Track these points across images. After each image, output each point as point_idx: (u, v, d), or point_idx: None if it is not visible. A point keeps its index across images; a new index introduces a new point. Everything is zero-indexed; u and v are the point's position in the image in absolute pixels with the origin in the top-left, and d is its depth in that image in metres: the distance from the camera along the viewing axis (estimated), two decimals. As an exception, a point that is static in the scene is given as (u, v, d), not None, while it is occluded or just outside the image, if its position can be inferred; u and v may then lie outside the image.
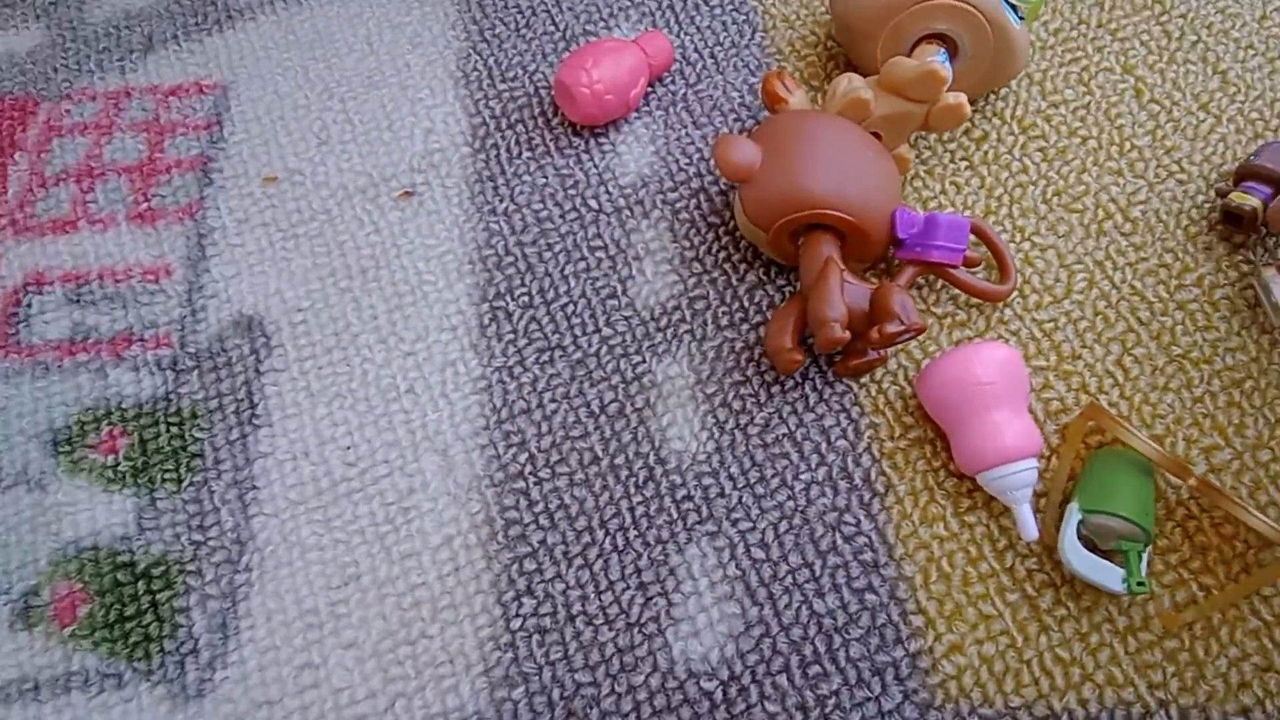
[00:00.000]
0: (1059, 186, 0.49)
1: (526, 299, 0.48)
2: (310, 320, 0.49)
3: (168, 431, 0.46)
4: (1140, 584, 0.37)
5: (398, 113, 0.55)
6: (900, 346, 0.45)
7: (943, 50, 0.46)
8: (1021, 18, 0.47)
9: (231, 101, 0.57)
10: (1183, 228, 0.47)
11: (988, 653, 0.38)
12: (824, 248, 0.42)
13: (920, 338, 0.45)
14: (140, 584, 0.42)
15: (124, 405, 0.47)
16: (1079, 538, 0.38)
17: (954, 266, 0.44)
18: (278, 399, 0.47)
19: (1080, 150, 0.49)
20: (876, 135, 0.46)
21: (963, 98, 0.44)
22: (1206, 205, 0.48)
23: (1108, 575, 0.37)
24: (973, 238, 0.47)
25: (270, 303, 0.49)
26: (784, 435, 0.44)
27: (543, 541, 0.42)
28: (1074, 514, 0.38)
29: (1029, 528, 0.38)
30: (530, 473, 0.44)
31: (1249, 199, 0.45)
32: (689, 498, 0.43)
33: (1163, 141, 0.50)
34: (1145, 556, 0.38)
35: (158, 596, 0.42)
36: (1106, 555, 0.38)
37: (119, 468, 0.45)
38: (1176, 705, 0.37)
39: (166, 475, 0.45)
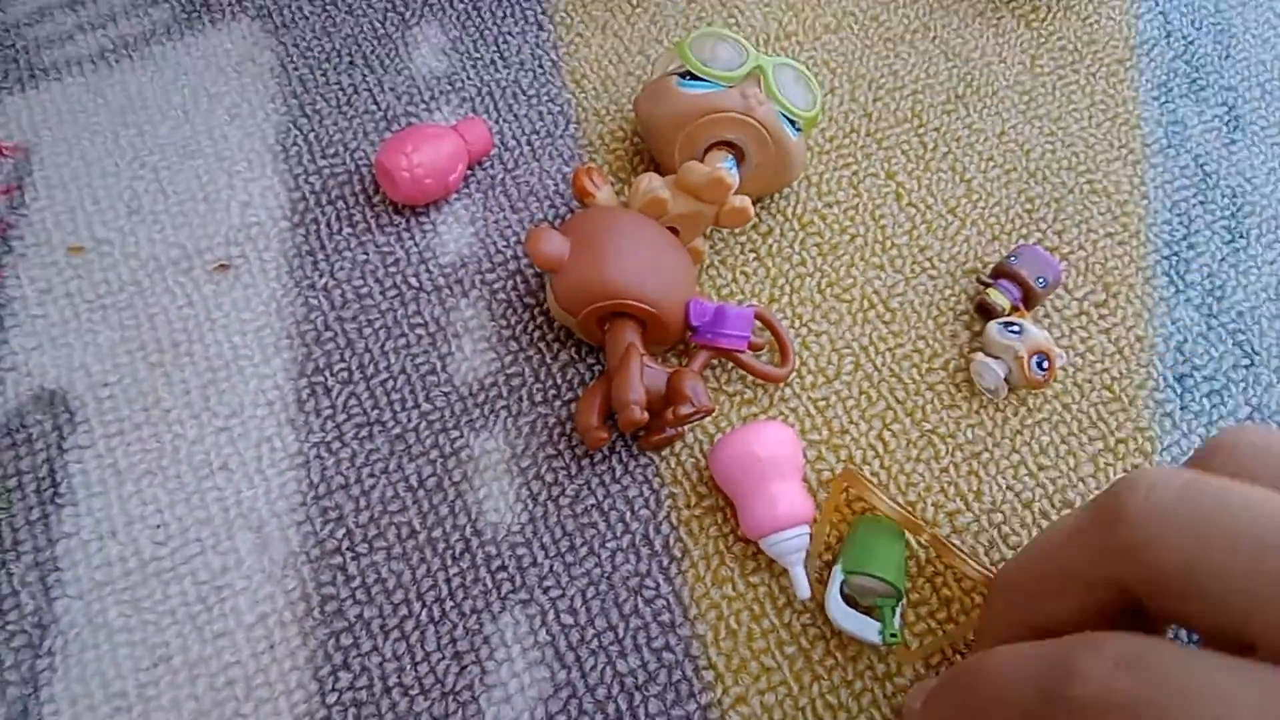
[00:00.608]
0: (831, 278, 0.56)
1: (346, 374, 0.51)
2: (118, 395, 0.49)
3: (-43, 513, 0.45)
4: (893, 635, 0.43)
5: (213, 184, 0.56)
6: (695, 424, 0.50)
7: (730, 157, 0.52)
8: (799, 130, 0.54)
9: (34, 165, 0.56)
10: (933, 317, 0.55)
11: (769, 702, 0.44)
12: (627, 334, 0.47)
13: (713, 415, 0.51)
14: (-75, 677, 0.41)
15: (-94, 486, 0.45)
16: (842, 596, 0.44)
17: (740, 351, 0.50)
18: (82, 477, 0.46)
19: (849, 246, 0.57)
20: (674, 230, 0.51)
21: (747, 201, 0.50)
22: (953, 298, 0.56)
23: (866, 629, 0.43)
24: (759, 324, 0.53)
25: (75, 377, 0.49)
26: (592, 505, 0.48)
27: (359, 616, 0.44)
28: (837, 575, 0.45)
29: (802, 587, 0.44)
30: (348, 548, 0.46)
31: (1002, 298, 0.54)
32: (503, 567, 0.46)
33: (918, 240, 0.58)
34: (898, 611, 0.44)
35: (-55, 689, 0.41)
36: (866, 611, 0.44)
37: (-100, 553, 0.44)
38: None
39: (-45, 560, 0.44)
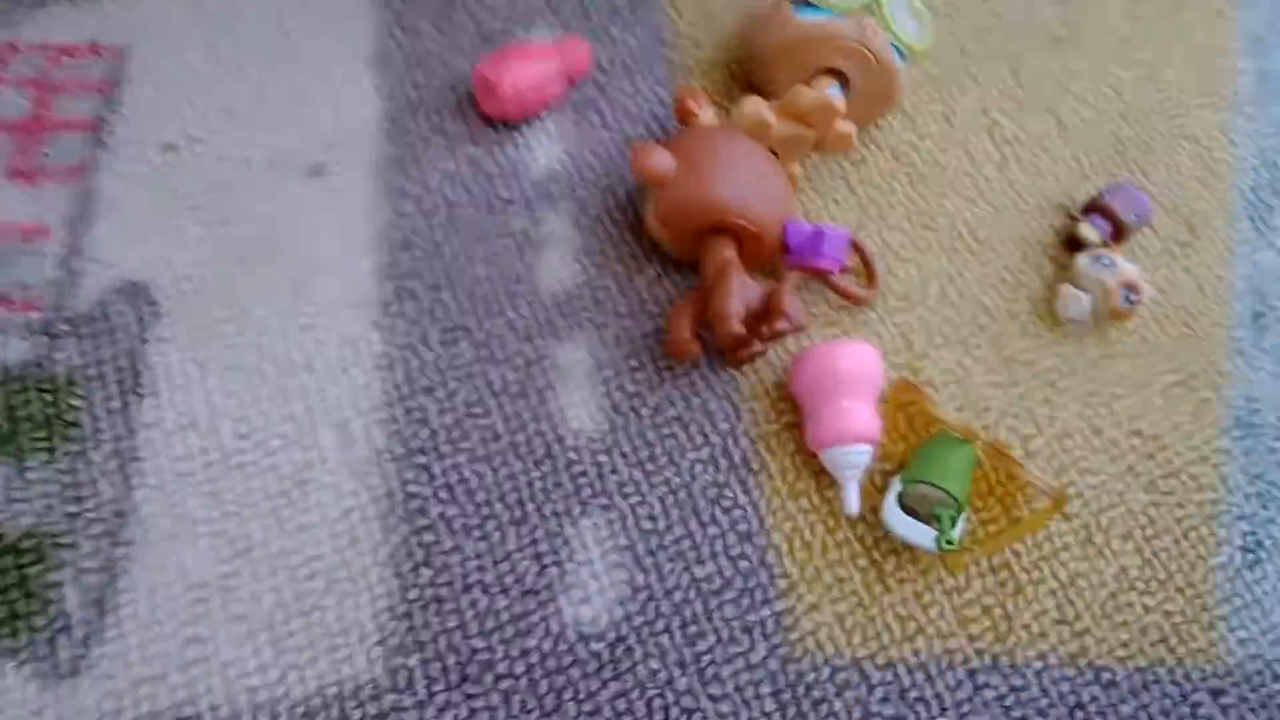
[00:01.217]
0: (921, 208, 0.51)
1: (433, 280, 0.47)
2: (202, 289, 0.45)
3: (40, 398, 0.42)
4: (949, 542, 0.39)
5: (309, 89, 0.52)
6: (780, 342, 0.46)
7: (836, 83, 0.48)
8: (904, 58, 0.49)
9: (129, 66, 0.52)
10: (1020, 249, 0.50)
11: (840, 611, 0.40)
12: (724, 250, 0.43)
13: (796, 334, 0.46)
14: (7, 558, 0.38)
15: (-8, 368, 0.42)
16: (902, 507, 0.40)
17: (833, 273, 0.45)
18: (164, 369, 0.43)
19: (940, 178, 0.52)
20: (774, 153, 0.47)
21: (852, 127, 0.46)
22: (1040, 231, 0.51)
23: (922, 535, 0.40)
24: (850, 248, 0.48)
25: (158, 269, 0.45)
26: (673, 417, 0.44)
27: (441, 515, 0.40)
28: (895, 484, 0.41)
29: (851, 503, 0.40)
30: (432, 448, 0.42)
31: (1093, 232, 0.49)
32: (584, 473, 0.42)
33: (1008, 174, 0.53)
34: (960, 522, 0.40)
35: (26, 571, 0.38)
36: (927, 521, 0.40)
37: (-15, 435, 0.41)
38: (989, 654, 0.40)
39: (37, 444, 0.41)
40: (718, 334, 0.39)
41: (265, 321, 0.44)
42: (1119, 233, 0.49)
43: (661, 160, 0.42)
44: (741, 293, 0.41)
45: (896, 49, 0.47)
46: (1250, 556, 0.43)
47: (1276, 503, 0.45)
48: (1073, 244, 0.49)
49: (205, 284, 0.45)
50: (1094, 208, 0.50)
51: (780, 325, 0.40)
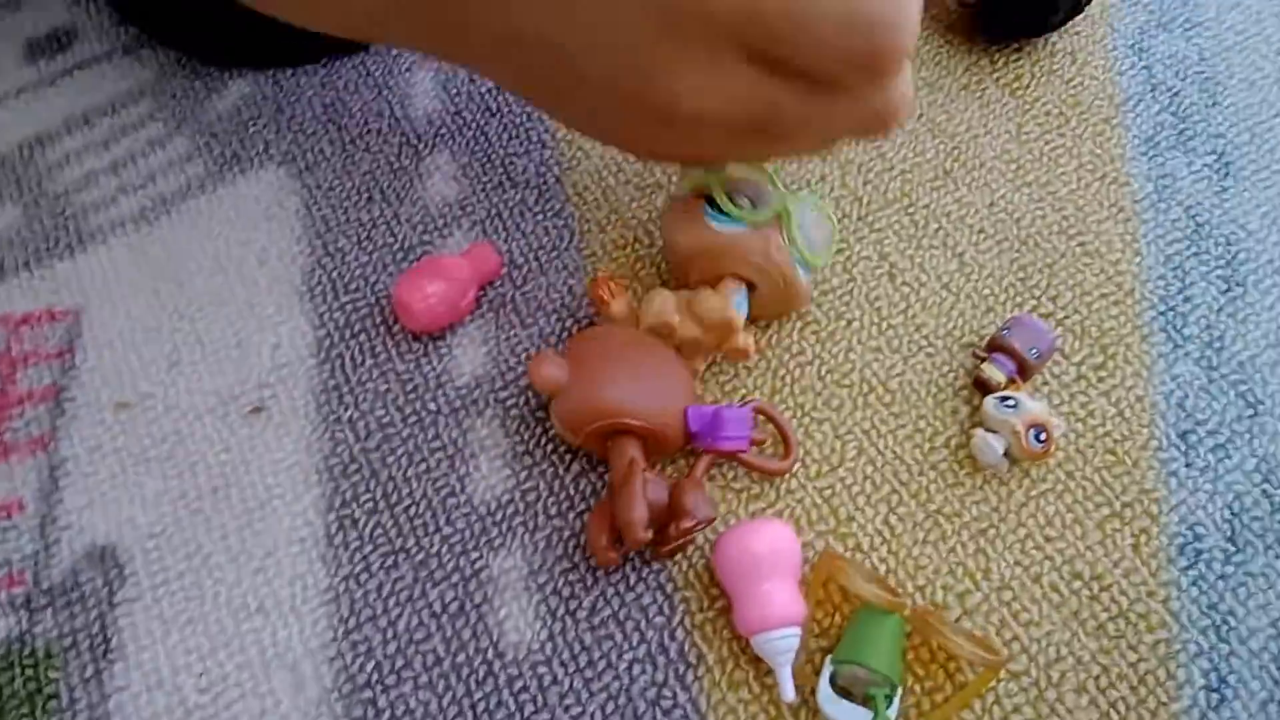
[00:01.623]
0: (830, 365, 0.54)
1: (371, 504, 0.50)
2: (163, 545, 0.49)
3: (22, 674, 0.46)
4: None
5: (245, 330, 0.57)
6: (701, 530, 0.49)
7: (742, 287, 0.51)
8: (808, 271, 0.52)
9: (84, 327, 0.57)
10: (932, 395, 0.53)
11: (791, 809, 0.42)
12: (629, 450, 0.46)
13: (721, 512, 0.49)
14: (-7, 838, 0.41)
15: (-24, 648, 0.46)
16: (835, 689, 0.42)
17: (743, 451, 0.49)
18: (131, 630, 0.47)
19: (846, 331, 0.55)
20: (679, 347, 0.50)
21: (750, 343, 0.50)
22: (951, 374, 0.54)
23: (859, 718, 0.41)
24: (762, 418, 0.52)
25: (123, 531, 0.50)
26: (608, 616, 0.47)
27: (391, 747, 0.43)
28: (827, 666, 0.43)
29: (787, 690, 0.42)
30: (377, 681, 0.45)
31: (997, 372, 0.52)
32: (525, 688, 0.45)
33: (913, 319, 0.56)
34: (895, 700, 0.42)
35: None
36: (864, 702, 0.42)
37: (-29, 716, 0.45)
38: None
39: None
40: (627, 540, 0.42)
41: (221, 569, 0.48)
42: (1023, 369, 0.52)
43: (551, 371, 0.46)
44: (645, 495, 0.44)
45: (800, 263, 0.51)
46: (1215, 696, 0.44)
47: (1236, 633, 0.45)
48: (980, 385, 0.52)
49: (166, 539, 0.49)
50: (996, 346, 0.53)
51: (685, 524, 0.43)
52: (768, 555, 0.44)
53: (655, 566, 0.48)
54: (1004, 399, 0.50)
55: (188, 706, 0.44)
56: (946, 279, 0.58)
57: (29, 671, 0.46)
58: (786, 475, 0.50)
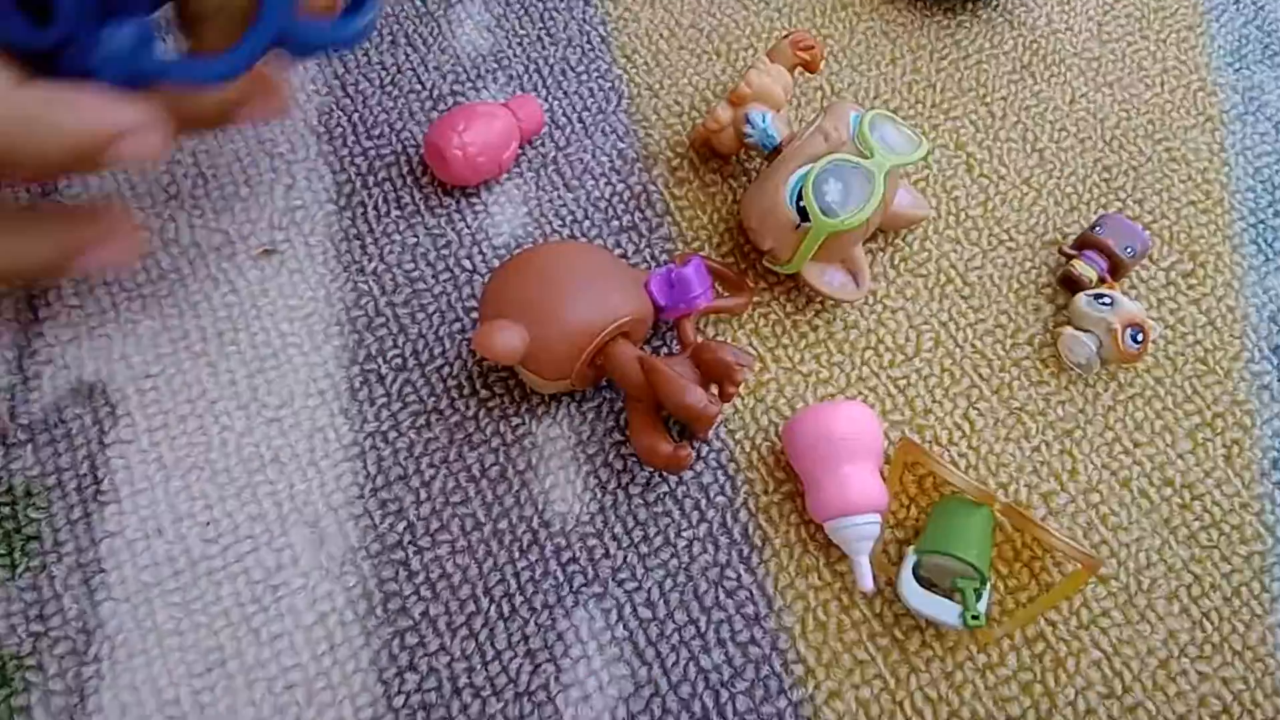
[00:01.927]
0: (905, 253, 0.53)
1: (399, 361, 0.47)
2: (161, 387, 0.46)
3: (-3, 512, 0.42)
4: (975, 618, 0.39)
5: (255, 168, 0.53)
6: (770, 404, 0.47)
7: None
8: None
9: (67, 151, 0.53)
10: (1014, 290, 0.52)
11: (864, 696, 0.40)
12: (629, 351, 0.43)
13: (786, 394, 0.47)
14: (-33, 685, 0.38)
15: (-58, 484, 0.43)
16: (919, 580, 0.41)
17: (711, 302, 0.47)
18: (125, 473, 0.43)
19: (924, 221, 0.53)
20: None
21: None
22: (1033, 270, 0.53)
23: (945, 611, 0.40)
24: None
25: (115, 368, 0.46)
26: (665, 493, 0.45)
27: (425, 613, 0.41)
28: (910, 556, 0.41)
29: (865, 578, 0.41)
30: (409, 542, 0.42)
31: (1089, 270, 0.50)
32: (574, 559, 0.43)
33: (993, 212, 0.54)
34: (984, 594, 0.41)
35: (-12, 698, 0.38)
36: (947, 594, 0.41)
37: (-63, 555, 0.41)
38: None
39: (-4, 561, 0.41)
40: (701, 425, 0.40)
41: (229, 416, 0.45)
42: (1115, 268, 0.51)
43: (508, 337, 0.40)
44: (683, 371, 0.41)
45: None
46: (1309, 613, 0.43)
47: (1327, 549, 0.45)
48: (1069, 283, 0.51)
49: (165, 381, 0.46)
50: (1087, 243, 0.51)
51: (739, 375, 0.41)
52: (848, 437, 0.42)
53: (715, 445, 0.46)
54: (1098, 296, 0.49)
55: (192, 557, 0.41)
56: (1027, 174, 0.56)
57: (4, 509, 0.42)
58: (750, 301, 0.49)
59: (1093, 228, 0.52)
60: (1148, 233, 0.53)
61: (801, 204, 0.46)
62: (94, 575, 0.41)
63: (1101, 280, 0.51)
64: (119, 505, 0.42)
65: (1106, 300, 0.48)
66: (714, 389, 0.43)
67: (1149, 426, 0.48)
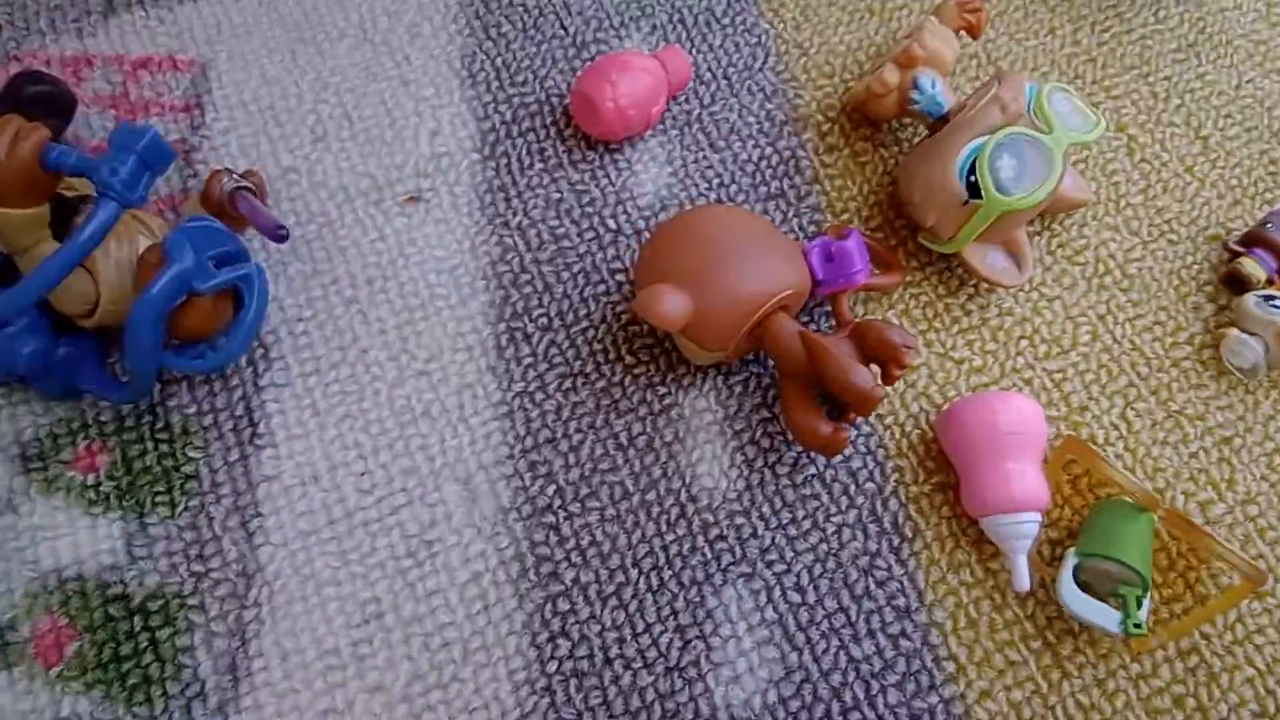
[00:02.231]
0: (1062, 239, 0.50)
1: (545, 321, 0.47)
2: (313, 332, 0.45)
3: (155, 449, 0.42)
4: (1136, 626, 0.38)
5: (400, 110, 0.52)
6: (920, 389, 0.46)
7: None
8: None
9: (212, 82, 0.52)
10: (1174, 286, 0.50)
11: (1015, 699, 0.40)
12: (790, 326, 0.41)
13: (938, 381, 0.46)
14: (136, 619, 0.39)
15: (102, 418, 0.43)
16: (1077, 583, 0.40)
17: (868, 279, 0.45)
18: (280, 418, 0.43)
19: (1085, 206, 0.51)
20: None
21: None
22: (1195, 266, 0.50)
23: (1105, 617, 0.39)
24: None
25: (268, 310, 0.46)
26: (813, 475, 0.44)
27: (575, 580, 0.41)
28: (1070, 558, 0.40)
29: (1022, 578, 0.40)
30: (559, 506, 0.42)
31: (1258, 269, 0.48)
32: (722, 537, 0.42)
33: (1154, 201, 0.52)
34: (1145, 602, 0.40)
35: (157, 634, 0.39)
36: (1103, 600, 0.40)
37: (101, 488, 0.41)
38: None
39: (158, 498, 0.41)
40: (864, 405, 0.39)
41: (380, 367, 0.45)
42: (1286, 269, 0.48)
43: (675, 302, 0.39)
44: (844, 350, 0.40)
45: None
46: None
47: None
48: (1234, 282, 0.49)
49: (316, 326, 0.45)
50: (1256, 240, 0.49)
51: (906, 358, 0.39)
52: (1015, 430, 0.41)
53: (864, 429, 0.45)
54: (1268, 297, 0.47)
55: (348, 507, 0.41)
56: (1190, 162, 0.54)
57: (164, 447, 0.42)
58: (901, 280, 0.48)
59: (1263, 224, 0.49)
60: (1321, 233, 0.51)
61: (973, 179, 0.44)
62: (252, 519, 0.41)
63: (1270, 281, 0.48)
64: (275, 450, 0.43)
65: (1277, 303, 0.46)
66: (874, 370, 0.41)
67: (1313, 439, 0.46)
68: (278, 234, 0.41)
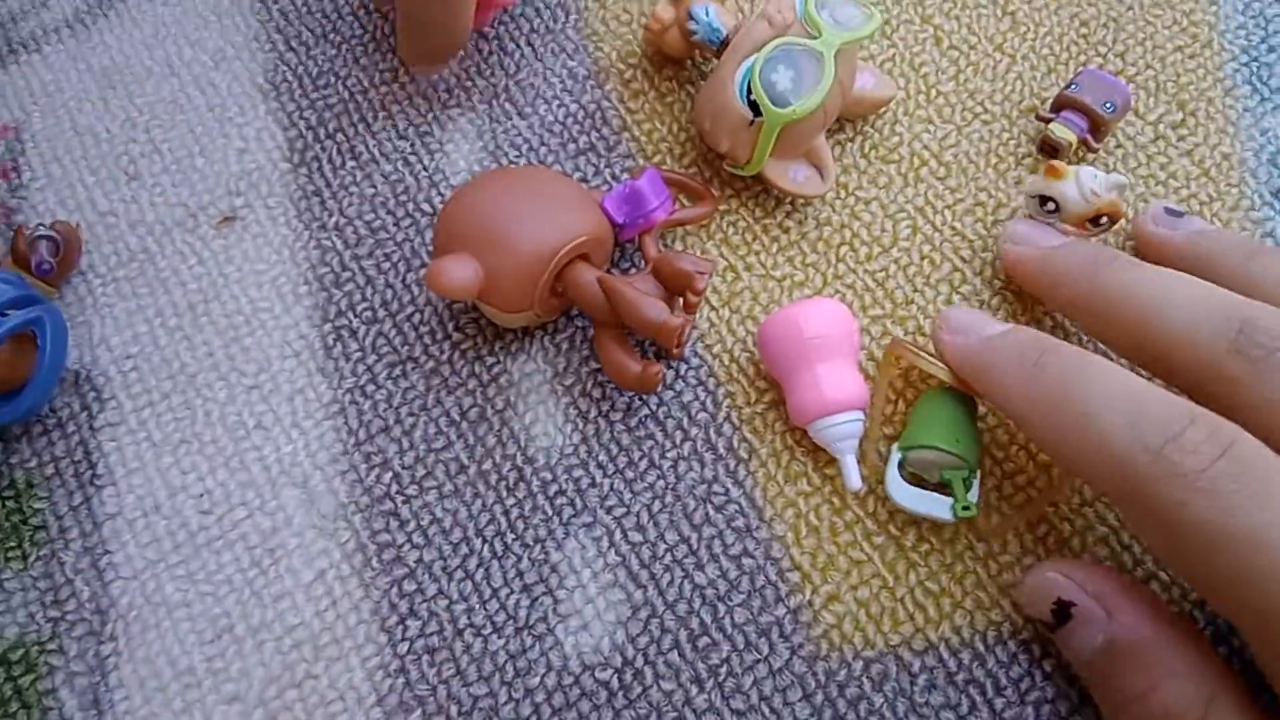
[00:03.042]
0: (875, 140, 0.50)
1: (370, 314, 0.47)
2: (142, 366, 0.45)
3: (3, 506, 0.43)
4: (965, 508, 0.38)
5: (207, 135, 0.52)
6: (746, 313, 0.45)
7: None
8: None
9: (25, 143, 0.52)
10: (993, 165, 0.49)
11: (863, 597, 0.40)
12: (586, 274, 0.41)
13: (761, 301, 0.46)
14: (-4, 673, 0.39)
15: (-54, 486, 0.43)
16: (906, 477, 0.40)
17: (671, 213, 0.45)
18: (118, 454, 0.43)
19: (891, 103, 0.50)
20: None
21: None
22: (1012, 141, 0.50)
23: (936, 505, 0.39)
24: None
25: (97, 354, 0.46)
26: (646, 416, 0.44)
27: (420, 560, 0.41)
28: (894, 454, 0.40)
29: (852, 477, 0.39)
30: (397, 492, 0.42)
31: (1068, 132, 0.47)
32: (561, 492, 0.42)
33: (965, 85, 0.51)
34: (974, 483, 0.39)
35: (19, 681, 0.39)
36: (940, 488, 0.40)
37: (-50, 554, 0.42)
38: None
39: (10, 553, 0.42)
40: (663, 336, 0.38)
41: (210, 388, 0.45)
42: (1096, 127, 0.48)
43: (461, 271, 0.39)
44: (646, 288, 0.40)
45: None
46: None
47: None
48: (1048, 149, 0.48)
49: (144, 360, 0.45)
50: (1064, 104, 0.48)
51: (699, 284, 0.39)
52: (818, 335, 0.41)
53: (694, 362, 0.45)
54: (1044, 201, 0.44)
55: (190, 529, 0.42)
56: (999, 40, 0.53)
57: (10, 503, 0.42)
58: (716, 209, 0.47)
59: (1068, 86, 0.48)
60: (1130, 85, 0.50)
61: (752, 98, 0.43)
62: (101, 557, 0.41)
63: (1082, 142, 0.48)
64: (115, 487, 0.43)
65: (1051, 206, 0.44)
66: (680, 302, 0.41)
67: (1141, 290, 0.45)
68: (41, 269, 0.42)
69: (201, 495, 0.42)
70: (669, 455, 0.43)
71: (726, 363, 0.45)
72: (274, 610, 0.40)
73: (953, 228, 0.48)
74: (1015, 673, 0.38)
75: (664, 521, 0.41)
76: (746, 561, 0.40)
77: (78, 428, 0.44)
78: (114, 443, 0.44)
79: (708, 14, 0.47)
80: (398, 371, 0.45)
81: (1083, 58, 0.52)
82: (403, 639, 0.39)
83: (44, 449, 0.44)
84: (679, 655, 0.39)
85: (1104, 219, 0.43)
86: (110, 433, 0.44)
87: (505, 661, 0.39)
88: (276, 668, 0.39)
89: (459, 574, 0.41)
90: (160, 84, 0.54)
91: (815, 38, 0.43)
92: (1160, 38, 0.53)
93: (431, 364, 0.45)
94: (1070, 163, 0.47)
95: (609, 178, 0.49)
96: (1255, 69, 0.52)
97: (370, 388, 0.45)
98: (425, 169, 0.50)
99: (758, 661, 0.39)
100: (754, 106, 0.44)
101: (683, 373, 0.45)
